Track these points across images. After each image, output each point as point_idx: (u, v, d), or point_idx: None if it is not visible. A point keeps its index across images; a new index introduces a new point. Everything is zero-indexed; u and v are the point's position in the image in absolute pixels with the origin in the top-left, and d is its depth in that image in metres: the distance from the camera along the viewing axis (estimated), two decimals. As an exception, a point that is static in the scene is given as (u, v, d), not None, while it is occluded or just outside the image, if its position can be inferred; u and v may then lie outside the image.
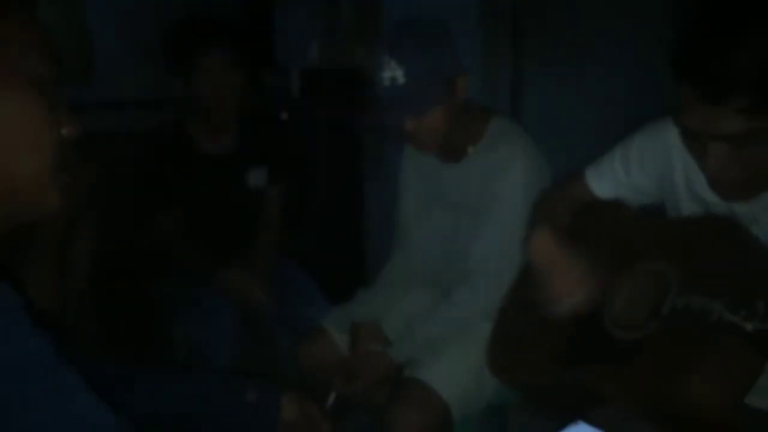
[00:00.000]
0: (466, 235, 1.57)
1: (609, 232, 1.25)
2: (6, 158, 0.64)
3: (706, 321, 0.95)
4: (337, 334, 1.71)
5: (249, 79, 2.03)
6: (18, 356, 0.57)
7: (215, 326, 1.96)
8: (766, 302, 0.89)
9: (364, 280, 1.87)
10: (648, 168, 1.21)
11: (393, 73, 1.40)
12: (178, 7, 2.74)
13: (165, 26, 2.08)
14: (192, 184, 2.04)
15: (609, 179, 1.28)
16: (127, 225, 2.10)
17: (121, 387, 0.98)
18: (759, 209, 1.03)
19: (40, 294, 1.49)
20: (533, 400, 1.34)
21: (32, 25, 0.67)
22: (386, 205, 2.14)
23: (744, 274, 0.97)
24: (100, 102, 2.73)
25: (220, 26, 2.01)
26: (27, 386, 0.57)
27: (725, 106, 0.88)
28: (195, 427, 1.07)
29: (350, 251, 2.86)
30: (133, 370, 1.03)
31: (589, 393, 1.07)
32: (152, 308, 2.16)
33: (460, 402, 1.46)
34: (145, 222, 2.08)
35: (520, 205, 1.45)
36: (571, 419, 1.10)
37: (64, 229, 1.62)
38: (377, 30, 2.69)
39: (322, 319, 1.77)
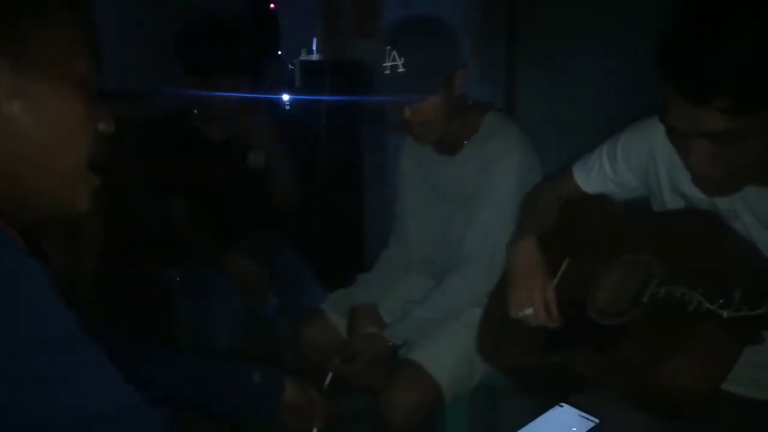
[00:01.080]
0: (460, 226, 1.62)
1: (595, 225, 1.29)
2: (47, 155, 0.65)
3: (685, 309, 0.98)
4: (334, 317, 1.75)
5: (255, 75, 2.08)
6: (48, 332, 0.58)
7: (219, 310, 2.00)
8: (742, 291, 0.92)
9: (362, 267, 1.91)
10: (633, 164, 1.24)
11: (393, 62, 1.44)
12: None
13: (168, 19, 2.11)
14: (197, 170, 2.08)
15: (596, 175, 1.32)
16: (134, 211, 2.14)
17: (128, 368, 1.02)
18: (740, 204, 1.06)
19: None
20: (519, 384, 1.38)
21: (83, 26, 0.68)
22: (384, 195, 2.18)
23: (722, 265, 1.01)
24: (104, 92, 2.76)
25: (231, 35, 2.03)
26: (58, 360, 0.58)
27: (707, 105, 0.90)
28: (200, 407, 1.11)
29: (348, 239, 2.90)
30: (140, 352, 1.06)
31: (573, 377, 1.11)
32: (159, 292, 2.20)
33: (452, 383, 1.51)
34: (151, 208, 2.12)
35: (512, 197, 1.49)
36: (556, 402, 1.15)
37: (74, 217, 1.66)
38: (377, 23, 2.72)
39: (320, 303, 1.81)
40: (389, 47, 1.45)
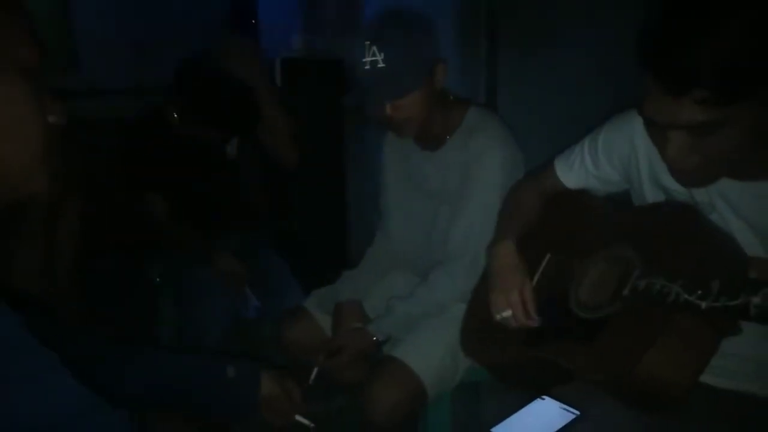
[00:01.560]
0: (444, 221, 1.62)
1: (577, 220, 1.30)
2: None
3: (664, 301, 0.99)
4: (319, 315, 1.75)
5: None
6: None
7: (201, 309, 1.99)
8: (719, 282, 0.93)
9: (345, 264, 1.91)
10: (614, 158, 1.25)
11: (373, 57, 1.43)
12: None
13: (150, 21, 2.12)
14: (176, 168, 2.07)
15: (577, 170, 1.32)
16: (113, 207, 2.13)
17: (105, 365, 0.99)
18: (716, 197, 1.07)
19: (25, 273, 1.51)
20: (502, 378, 1.39)
21: (18, 15, 0.68)
22: (367, 191, 2.18)
23: (700, 257, 1.02)
24: (85, 90, 2.74)
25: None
26: (3, 365, 0.57)
27: (685, 97, 0.91)
28: (176, 403, 1.10)
29: (331, 236, 2.90)
30: (117, 349, 1.05)
31: (555, 370, 1.12)
32: (139, 291, 2.19)
33: (435, 379, 1.51)
34: (130, 207, 2.11)
35: (495, 192, 1.50)
36: (538, 395, 1.16)
37: (51, 210, 1.65)
38: (357, 20, 2.72)
39: (304, 301, 1.81)
40: (368, 42, 1.44)
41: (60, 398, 0.61)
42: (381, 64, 1.43)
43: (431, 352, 1.52)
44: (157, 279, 2.17)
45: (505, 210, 1.43)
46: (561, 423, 1.12)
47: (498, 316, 1.28)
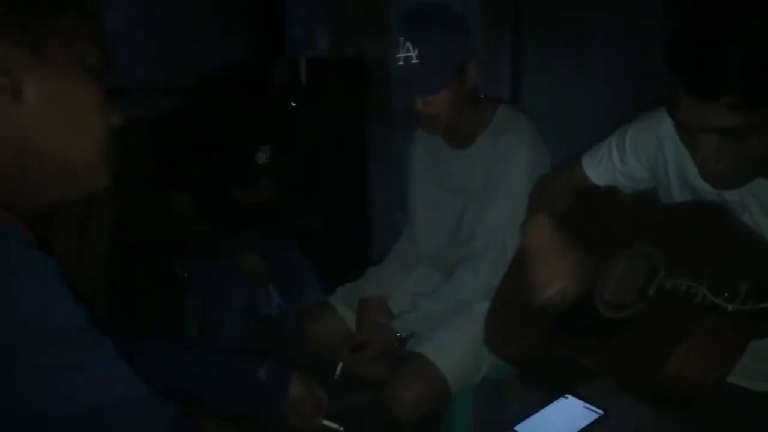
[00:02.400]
0: (470, 219, 1.63)
1: (603, 216, 1.29)
2: (64, 139, 0.69)
3: (691, 302, 0.98)
4: (343, 310, 1.76)
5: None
6: (59, 323, 0.60)
7: (228, 303, 2.02)
8: (747, 284, 0.92)
9: (369, 261, 1.92)
10: (642, 155, 1.24)
11: (407, 53, 1.44)
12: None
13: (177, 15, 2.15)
14: (204, 166, 2.10)
15: (604, 166, 1.32)
16: (144, 206, 2.16)
17: (137, 362, 1.03)
18: (749, 197, 1.06)
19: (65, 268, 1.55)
20: (526, 375, 1.39)
21: (90, 18, 0.72)
22: (391, 191, 2.19)
23: (728, 258, 1.01)
24: (112, 89, 2.78)
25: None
26: (68, 352, 0.60)
27: (716, 102, 0.91)
28: (208, 401, 1.12)
29: (355, 234, 2.92)
30: (148, 346, 1.07)
31: (579, 368, 1.12)
32: (166, 287, 2.22)
33: (458, 376, 1.52)
34: (159, 204, 2.14)
35: (522, 192, 1.49)
36: (562, 393, 1.16)
37: (83, 210, 1.68)
38: (384, 19, 2.73)
39: (329, 297, 1.83)
40: (403, 38, 1.45)
41: (118, 386, 0.63)
42: (414, 60, 1.44)
43: (454, 349, 1.53)
44: (184, 274, 2.20)
45: (533, 202, 1.43)
46: (584, 422, 1.12)
47: (547, 294, 1.23)
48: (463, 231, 1.65)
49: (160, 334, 1.67)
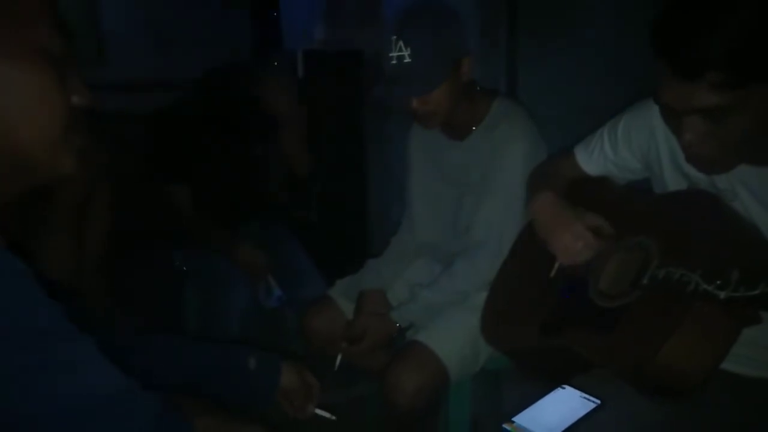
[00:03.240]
0: (467, 210, 1.63)
1: (597, 207, 1.29)
2: (16, 123, 0.65)
3: (684, 290, 0.99)
4: (343, 303, 1.77)
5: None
6: (28, 324, 0.58)
7: (227, 295, 2.03)
8: (739, 272, 0.93)
9: (367, 253, 1.92)
10: (634, 145, 1.25)
11: (400, 52, 1.44)
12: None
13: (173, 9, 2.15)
14: (200, 157, 2.10)
15: (597, 157, 1.32)
16: (141, 199, 2.17)
17: (128, 354, 1.02)
18: (738, 184, 1.06)
19: (55, 263, 1.55)
20: (523, 366, 1.40)
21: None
22: (389, 181, 2.19)
23: (721, 246, 1.02)
24: (113, 83, 2.78)
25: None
26: (38, 354, 0.58)
27: (699, 81, 0.91)
28: (198, 393, 1.11)
29: (354, 226, 2.92)
30: (141, 338, 1.08)
31: (575, 359, 1.13)
32: (166, 278, 2.23)
33: (457, 365, 1.53)
34: (157, 195, 2.15)
35: (519, 183, 1.50)
36: (559, 383, 1.17)
37: (80, 202, 1.68)
38: (379, 10, 2.72)
39: (329, 289, 1.83)
40: (395, 37, 1.45)
41: (97, 381, 0.62)
42: (407, 60, 1.44)
43: (453, 338, 1.54)
44: (183, 267, 2.21)
45: (532, 184, 1.44)
46: (582, 412, 1.13)
47: (567, 259, 1.24)
48: (460, 222, 1.66)
49: (158, 327, 1.68)
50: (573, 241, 1.24)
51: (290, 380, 1.16)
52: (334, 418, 1.20)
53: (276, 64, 2.61)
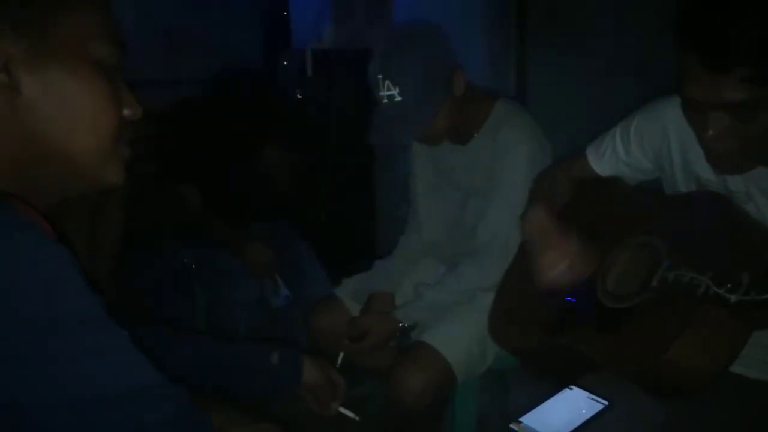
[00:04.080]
0: (473, 214, 1.63)
1: (607, 207, 1.29)
2: (71, 132, 0.68)
3: (694, 293, 0.98)
4: (351, 303, 1.77)
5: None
6: (77, 313, 0.61)
7: (236, 292, 2.04)
8: (750, 276, 0.92)
9: (374, 253, 1.93)
10: (646, 145, 1.24)
11: (389, 92, 1.42)
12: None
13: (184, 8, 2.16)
14: (210, 157, 2.11)
15: (609, 157, 1.32)
16: (152, 198, 2.18)
17: (148, 350, 1.04)
18: (753, 187, 1.06)
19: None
20: (530, 366, 1.39)
21: (98, 9, 0.71)
22: (397, 181, 2.20)
23: (732, 249, 1.01)
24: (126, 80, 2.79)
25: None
26: (85, 340, 0.61)
27: (728, 74, 0.90)
28: (221, 388, 1.11)
29: (361, 226, 2.92)
30: (160, 336, 1.07)
31: (582, 359, 1.12)
32: (178, 276, 2.24)
33: (463, 365, 1.53)
34: (170, 195, 2.16)
35: (524, 186, 1.49)
36: (565, 383, 1.17)
37: (95, 201, 1.69)
38: (388, 10, 2.73)
39: (336, 289, 1.83)
40: (381, 76, 1.42)
41: (125, 370, 0.64)
42: (398, 98, 1.42)
43: (460, 338, 1.54)
44: (192, 266, 2.22)
45: (533, 197, 1.43)
46: (590, 413, 1.13)
47: (553, 274, 1.23)
48: (463, 223, 1.66)
49: (168, 324, 1.68)
50: (554, 263, 1.23)
51: (313, 375, 1.15)
52: (357, 418, 1.19)
53: (285, 63, 2.63)
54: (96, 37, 0.69)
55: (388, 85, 1.41)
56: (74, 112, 0.68)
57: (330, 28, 3.06)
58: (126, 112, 0.73)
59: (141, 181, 2.09)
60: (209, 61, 2.18)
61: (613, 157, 1.31)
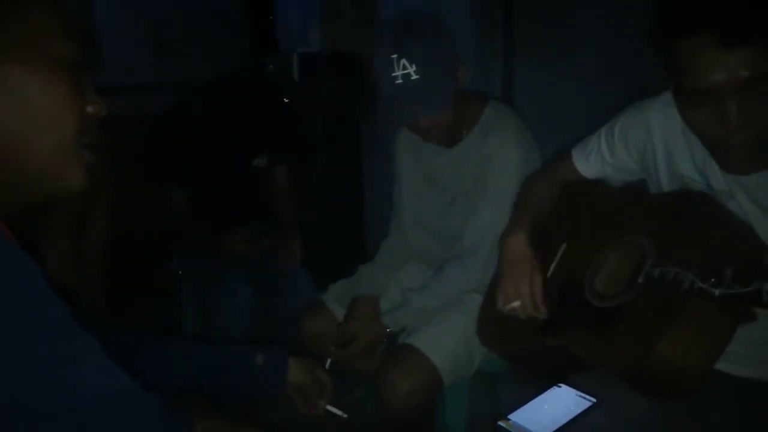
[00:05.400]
0: (457, 216, 1.63)
1: (593, 208, 1.30)
2: (30, 135, 0.65)
3: (679, 289, 0.99)
4: (337, 309, 1.77)
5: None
6: (36, 321, 0.59)
7: (223, 299, 2.03)
8: (733, 269, 0.93)
9: (362, 258, 1.92)
10: (631, 146, 1.25)
11: (405, 70, 1.38)
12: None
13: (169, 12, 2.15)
14: (196, 163, 2.10)
15: (594, 159, 1.33)
16: (138, 203, 2.17)
17: (135, 357, 1.02)
18: (735, 186, 1.07)
19: (55, 268, 1.55)
20: (519, 368, 1.40)
21: (56, 8, 0.69)
22: (384, 185, 2.19)
23: (714, 244, 1.02)
24: (106, 87, 2.78)
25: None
26: (42, 350, 0.59)
27: (743, 48, 0.90)
28: (207, 392, 1.12)
29: (349, 230, 2.92)
30: (146, 341, 1.07)
31: (571, 359, 1.13)
32: (167, 282, 2.23)
33: (451, 368, 1.53)
34: (154, 200, 2.15)
35: (512, 190, 1.49)
36: (554, 382, 1.18)
37: (80, 206, 1.68)
38: (375, 13, 2.73)
39: (321, 295, 1.83)
40: (395, 56, 1.39)
41: (96, 379, 0.63)
42: (414, 76, 1.38)
43: (446, 341, 1.54)
44: (180, 272, 2.21)
45: (520, 200, 1.44)
46: (578, 410, 1.13)
47: (507, 307, 1.28)
48: (449, 227, 1.66)
49: (157, 330, 1.67)
50: (511, 297, 1.28)
51: (299, 375, 1.15)
52: (346, 416, 1.20)
53: (272, 67, 2.62)
54: (54, 34, 0.67)
55: (403, 64, 1.38)
56: (33, 111, 0.65)
57: (317, 31, 3.07)
58: (89, 109, 0.71)
59: (127, 185, 2.08)
60: (196, 66, 2.17)
61: (598, 158, 1.32)
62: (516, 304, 1.27)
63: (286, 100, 2.83)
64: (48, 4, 0.68)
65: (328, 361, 1.59)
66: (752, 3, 0.89)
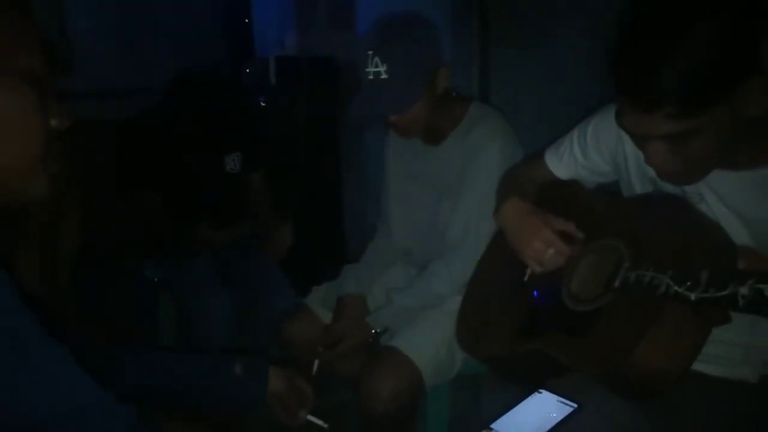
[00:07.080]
0: (443, 215, 1.63)
1: (567, 211, 1.30)
2: None
3: (655, 292, 1.00)
4: (321, 311, 1.76)
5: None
6: (4, 330, 0.58)
7: (202, 307, 2.01)
8: (708, 273, 0.94)
9: (344, 260, 1.91)
10: (603, 148, 1.26)
11: (376, 68, 1.42)
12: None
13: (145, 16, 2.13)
14: (172, 168, 2.08)
15: (567, 161, 1.33)
16: (111, 209, 2.14)
17: (110, 367, 1.00)
18: (705, 187, 1.08)
19: (27, 277, 1.52)
20: (499, 371, 1.40)
21: (22, 21, 0.68)
22: (364, 186, 2.19)
23: (689, 248, 1.03)
24: (81, 92, 2.74)
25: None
26: (9, 360, 0.58)
27: (657, 112, 0.94)
28: (186, 402, 1.11)
29: (330, 232, 2.91)
30: (122, 350, 1.06)
31: (551, 363, 1.13)
32: (142, 290, 2.20)
33: (432, 370, 1.53)
34: (127, 206, 2.13)
35: (493, 183, 1.49)
36: (535, 387, 1.17)
37: (50, 214, 1.65)
38: (352, 16, 2.73)
39: (303, 298, 1.82)
40: (371, 52, 1.43)
41: (66, 390, 0.62)
42: (384, 76, 1.43)
43: (428, 343, 1.54)
44: (155, 279, 2.18)
45: (498, 193, 1.44)
46: (559, 416, 1.13)
47: (544, 259, 1.23)
48: (435, 227, 1.66)
49: (132, 339, 1.65)
50: (543, 248, 1.23)
51: (279, 385, 1.15)
52: (326, 426, 1.19)
53: (248, 71, 2.60)
54: (18, 49, 0.67)
55: (376, 62, 1.42)
56: None
57: (293, 35, 3.06)
58: (53, 122, 0.71)
59: (101, 191, 2.06)
60: (169, 70, 2.14)
61: (571, 160, 1.33)
62: (551, 252, 1.23)
63: (264, 103, 2.82)
64: (13, 18, 0.67)
65: (316, 364, 1.58)
66: (663, 78, 0.91)
